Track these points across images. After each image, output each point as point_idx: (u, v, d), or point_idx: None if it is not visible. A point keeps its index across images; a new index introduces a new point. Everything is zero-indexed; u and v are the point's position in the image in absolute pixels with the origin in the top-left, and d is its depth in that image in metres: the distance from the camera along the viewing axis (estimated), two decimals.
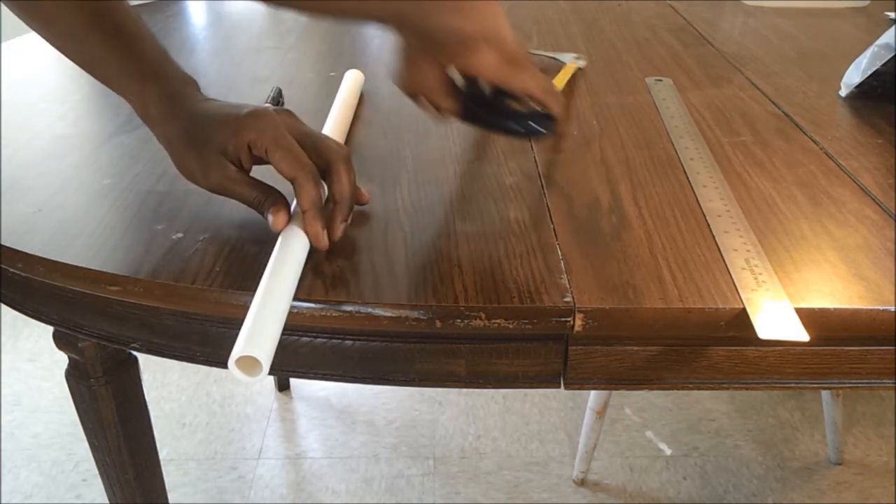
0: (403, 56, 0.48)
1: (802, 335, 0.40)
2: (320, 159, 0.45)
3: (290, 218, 0.45)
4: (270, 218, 0.45)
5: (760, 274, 0.44)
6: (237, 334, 0.37)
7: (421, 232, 0.48)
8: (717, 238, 0.48)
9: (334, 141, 0.47)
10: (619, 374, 0.45)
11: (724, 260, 0.45)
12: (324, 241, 0.44)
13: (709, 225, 0.49)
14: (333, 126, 0.61)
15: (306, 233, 0.44)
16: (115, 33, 0.46)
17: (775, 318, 0.40)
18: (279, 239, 0.44)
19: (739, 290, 0.42)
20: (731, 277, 0.43)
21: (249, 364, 0.36)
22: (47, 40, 0.48)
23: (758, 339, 0.39)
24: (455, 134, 0.64)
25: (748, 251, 0.46)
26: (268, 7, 0.49)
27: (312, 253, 0.45)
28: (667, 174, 0.57)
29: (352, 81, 0.71)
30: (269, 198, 0.44)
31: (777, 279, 0.43)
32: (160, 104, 0.47)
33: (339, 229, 0.45)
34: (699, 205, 0.52)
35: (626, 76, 0.78)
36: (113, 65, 0.48)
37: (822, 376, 0.45)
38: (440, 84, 0.48)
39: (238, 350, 0.36)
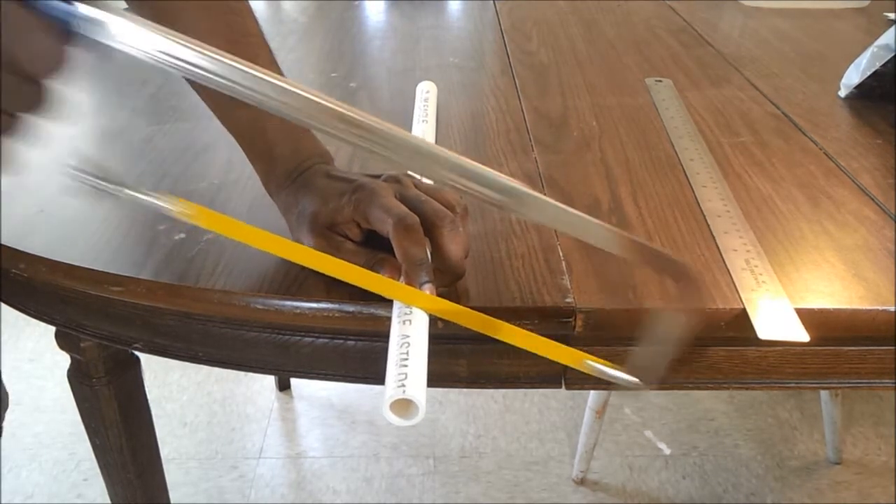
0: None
1: (803, 335, 0.40)
2: (426, 221, 0.42)
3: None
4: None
5: (761, 274, 0.44)
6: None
7: None
8: (716, 238, 0.48)
9: (447, 200, 0.44)
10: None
11: (723, 260, 0.46)
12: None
13: (709, 225, 0.49)
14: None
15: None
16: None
17: (775, 318, 0.40)
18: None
19: (739, 290, 0.42)
20: (731, 278, 0.44)
21: (402, 407, 0.35)
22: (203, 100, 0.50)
23: (758, 339, 0.40)
24: (455, 134, 0.65)
25: (748, 251, 0.46)
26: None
27: None
28: (667, 175, 0.57)
29: (430, 96, 0.70)
30: (377, 262, 0.42)
31: (777, 279, 0.44)
32: (281, 180, 0.48)
33: (426, 289, 0.40)
34: (699, 205, 0.52)
35: (626, 77, 0.78)
36: (245, 140, 0.50)
37: (821, 376, 0.45)
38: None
39: (397, 394, 0.34)
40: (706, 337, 0.44)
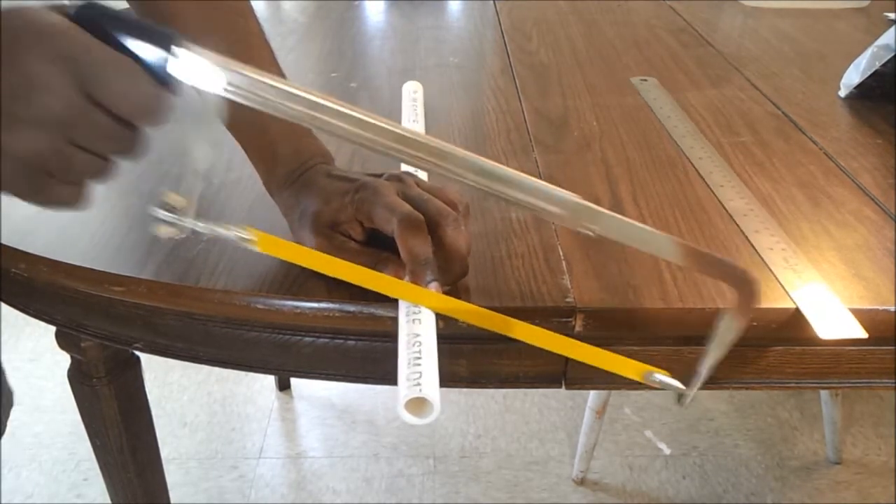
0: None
1: (861, 332, 0.40)
2: (429, 220, 0.42)
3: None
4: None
5: (803, 272, 0.44)
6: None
7: None
8: (749, 238, 0.48)
9: (450, 199, 0.44)
10: (620, 375, 0.45)
11: (763, 260, 0.45)
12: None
13: (738, 225, 0.49)
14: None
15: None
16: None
17: (832, 317, 0.41)
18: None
19: (787, 289, 0.43)
20: (776, 277, 0.44)
21: (416, 406, 0.35)
22: None
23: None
24: (455, 134, 0.65)
25: (783, 249, 0.46)
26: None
27: None
28: (667, 175, 0.57)
29: (418, 96, 0.70)
30: (380, 262, 0.43)
31: (820, 277, 0.44)
32: (282, 180, 0.48)
33: (432, 287, 0.40)
34: (723, 206, 0.52)
35: (626, 77, 0.78)
36: (247, 140, 0.50)
37: (821, 376, 0.45)
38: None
39: (412, 393, 0.34)
40: (706, 337, 0.44)
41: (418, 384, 0.34)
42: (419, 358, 0.36)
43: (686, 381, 0.40)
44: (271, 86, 0.35)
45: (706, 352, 0.39)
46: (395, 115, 0.68)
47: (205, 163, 0.37)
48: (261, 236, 0.40)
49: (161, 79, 0.34)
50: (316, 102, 0.35)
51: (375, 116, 0.36)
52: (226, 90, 0.35)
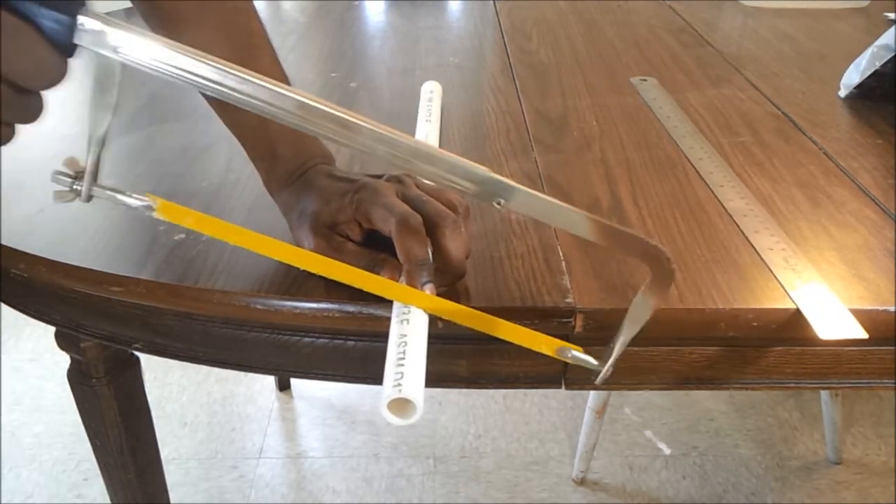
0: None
1: (861, 333, 0.40)
2: (428, 221, 0.42)
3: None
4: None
5: (803, 272, 0.44)
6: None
7: None
8: (749, 238, 0.48)
9: (449, 201, 0.44)
10: (620, 375, 0.45)
11: (763, 260, 0.45)
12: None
13: (738, 225, 0.49)
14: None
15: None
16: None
17: (832, 317, 0.41)
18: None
19: (787, 290, 0.43)
20: (776, 277, 0.44)
21: (400, 406, 0.35)
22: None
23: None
24: (455, 134, 0.65)
25: (783, 250, 0.46)
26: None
27: None
28: (667, 175, 0.57)
29: (434, 96, 0.70)
30: (377, 264, 0.42)
31: (820, 277, 0.44)
32: (283, 179, 0.48)
33: (427, 289, 0.40)
34: (723, 205, 0.52)
35: (626, 77, 0.78)
36: (248, 140, 0.50)
37: (821, 376, 0.45)
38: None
39: (393, 393, 0.34)
40: (706, 337, 0.44)
41: (399, 385, 0.34)
42: (403, 358, 0.36)
43: (602, 359, 0.40)
44: (161, 49, 0.34)
45: (620, 329, 0.38)
46: (396, 115, 0.69)
47: (103, 127, 0.37)
48: (162, 203, 0.39)
49: (60, 45, 0.33)
50: (192, 62, 0.34)
51: (259, 76, 0.35)
52: (122, 54, 0.34)
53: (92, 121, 0.37)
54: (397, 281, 0.41)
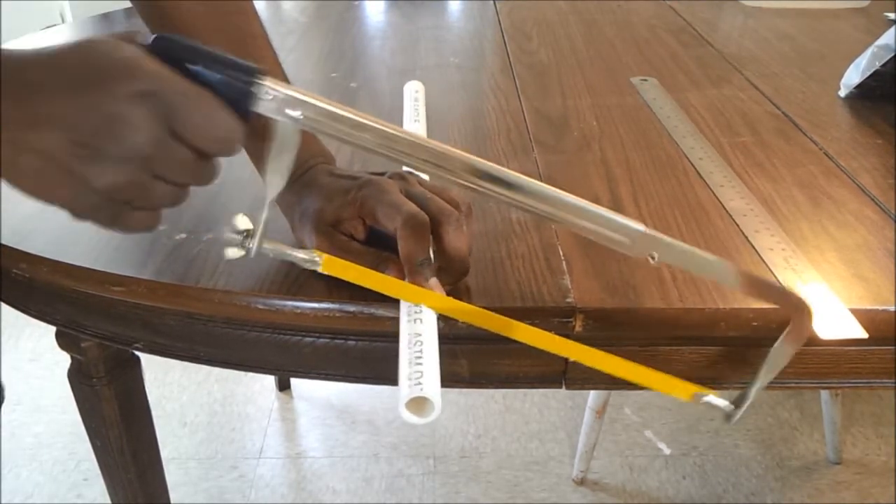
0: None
1: (860, 332, 0.40)
2: (431, 219, 0.42)
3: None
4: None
5: (803, 272, 0.44)
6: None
7: None
8: (749, 238, 0.48)
9: (452, 199, 0.44)
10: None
11: (763, 261, 0.45)
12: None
13: (738, 225, 0.49)
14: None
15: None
16: None
17: (832, 317, 0.41)
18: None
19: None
20: (777, 278, 0.44)
21: (417, 405, 0.35)
22: None
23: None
24: (455, 134, 0.65)
25: (783, 250, 0.46)
26: None
27: None
28: (667, 175, 0.57)
29: (420, 96, 0.70)
30: (381, 262, 0.42)
31: (820, 277, 0.44)
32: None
33: (432, 287, 0.40)
34: (723, 206, 0.52)
35: (626, 77, 0.78)
36: (246, 142, 0.50)
37: (821, 376, 0.45)
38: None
39: (414, 392, 0.34)
40: (706, 337, 0.44)
41: (420, 384, 0.34)
42: (420, 357, 0.36)
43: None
44: (346, 117, 0.36)
45: (757, 376, 0.40)
46: (396, 115, 0.68)
47: (277, 190, 0.38)
48: (326, 258, 0.40)
49: (240, 110, 0.34)
50: (389, 133, 0.37)
51: (445, 146, 0.37)
52: (302, 121, 0.36)
53: (267, 184, 0.38)
54: (402, 279, 0.41)
